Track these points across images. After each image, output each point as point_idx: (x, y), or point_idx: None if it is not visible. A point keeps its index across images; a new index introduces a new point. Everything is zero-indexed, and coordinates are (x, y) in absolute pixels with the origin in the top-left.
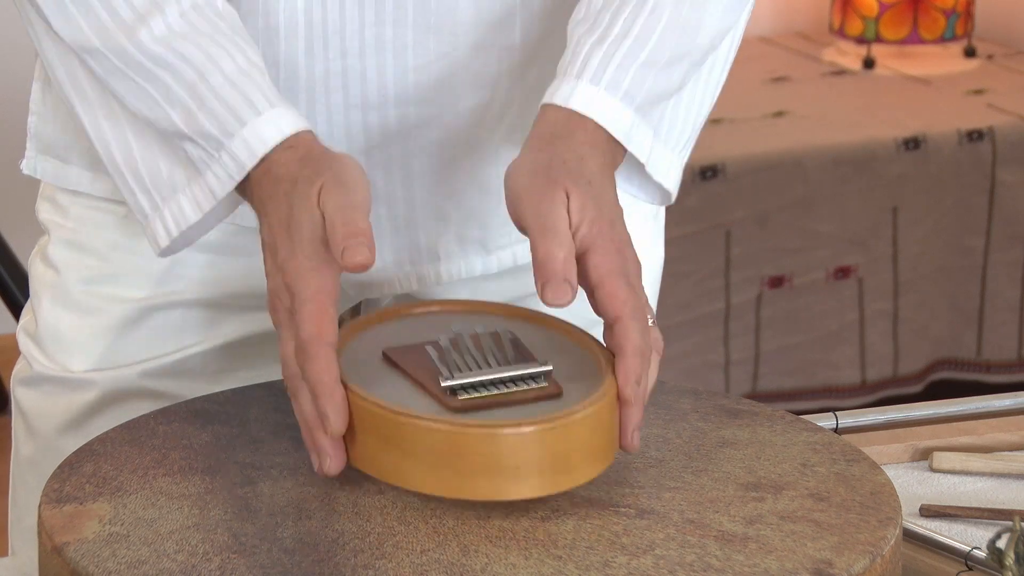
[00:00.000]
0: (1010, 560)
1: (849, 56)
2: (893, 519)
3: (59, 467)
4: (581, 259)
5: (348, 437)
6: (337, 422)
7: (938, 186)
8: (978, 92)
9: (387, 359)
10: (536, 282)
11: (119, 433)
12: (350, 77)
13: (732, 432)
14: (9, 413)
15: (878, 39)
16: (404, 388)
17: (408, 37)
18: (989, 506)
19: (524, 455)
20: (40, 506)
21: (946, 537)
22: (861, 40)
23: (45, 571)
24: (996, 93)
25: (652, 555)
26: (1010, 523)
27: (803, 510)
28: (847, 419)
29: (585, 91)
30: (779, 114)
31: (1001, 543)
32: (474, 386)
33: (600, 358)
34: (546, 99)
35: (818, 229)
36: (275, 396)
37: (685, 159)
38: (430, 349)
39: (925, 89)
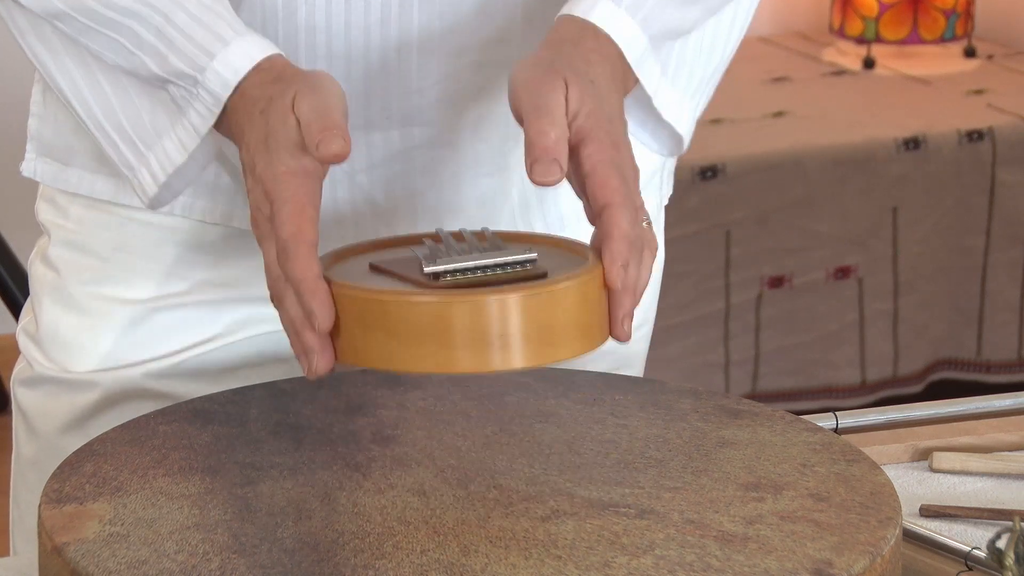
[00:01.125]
0: (1010, 560)
1: (849, 56)
2: (893, 519)
3: (59, 467)
4: (575, 149)
5: (333, 333)
6: (323, 316)
7: (938, 186)
8: (978, 92)
9: (373, 269)
10: (526, 161)
11: (119, 433)
12: (354, 99)
13: (732, 432)
14: (9, 413)
15: (878, 39)
16: (390, 284)
17: (413, 60)
18: (989, 506)
19: (509, 323)
20: (40, 506)
21: (946, 537)
22: (861, 40)
23: (45, 571)
24: (996, 93)
25: (652, 555)
26: (1010, 523)
27: (803, 510)
28: (847, 419)
29: (605, 6)
30: (779, 114)
31: (1001, 543)
32: (458, 270)
33: (589, 254)
34: (564, 11)
35: (818, 229)
36: (275, 396)
37: (698, 108)
38: (414, 248)
39: (925, 89)
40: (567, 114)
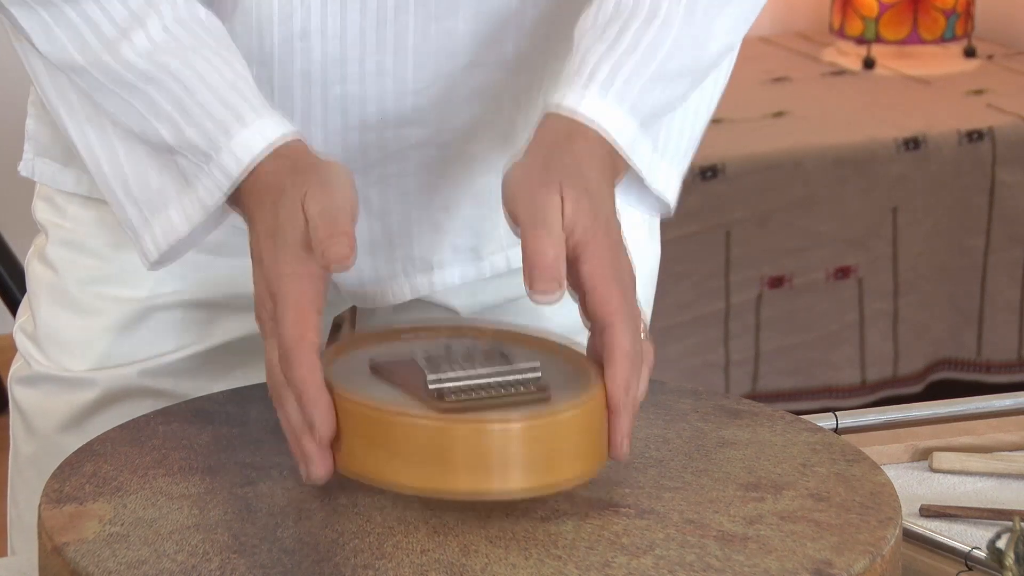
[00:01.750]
0: (1010, 560)
1: (849, 56)
2: (893, 519)
3: (59, 467)
4: (574, 263)
5: (334, 442)
6: (324, 427)
7: (938, 186)
8: (978, 92)
9: (375, 370)
10: (524, 278)
11: (119, 433)
12: (349, 102)
13: (732, 432)
14: (8, 413)
15: (878, 39)
16: (391, 393)
17: (408, 62)
18: (989, 506)
19: (511, 451)
20: (40, 506)
21: (946, 537)
22: (861, 40)
23: (45, 571)
24: (996, 93)
25: (652, 555)
26: (1010, 523)
27: (803, 510)
28: (847, 419)
29: (593, 101)
30: (779, 114)
31: (1001, 543)
32: (462, 389)
33: (589, 369)
34: (552, 107)
35: (818, 229)
36: None
37: (684, 171)
38: (418, 357)
39: (925, 89)
40: (564, 224)
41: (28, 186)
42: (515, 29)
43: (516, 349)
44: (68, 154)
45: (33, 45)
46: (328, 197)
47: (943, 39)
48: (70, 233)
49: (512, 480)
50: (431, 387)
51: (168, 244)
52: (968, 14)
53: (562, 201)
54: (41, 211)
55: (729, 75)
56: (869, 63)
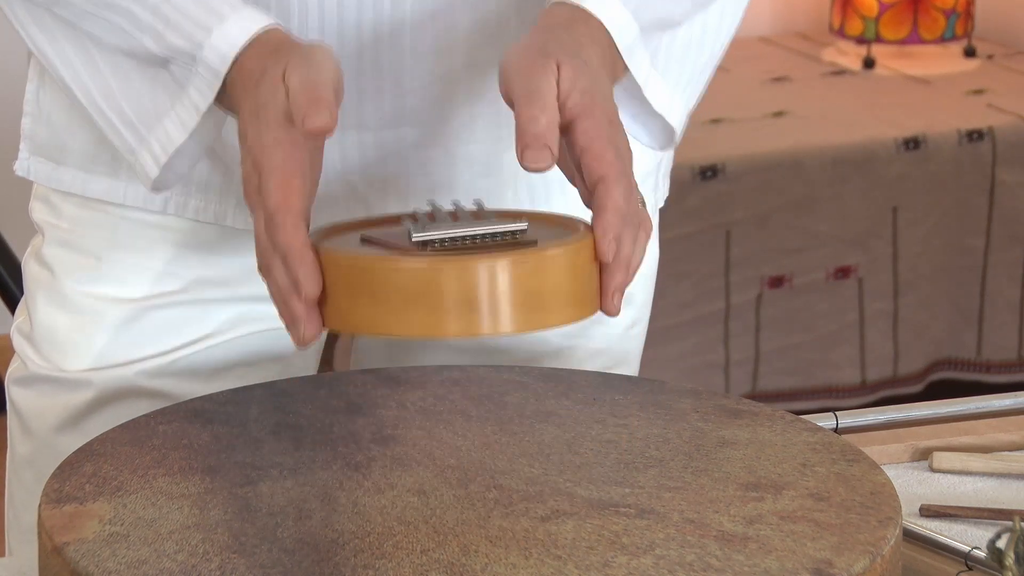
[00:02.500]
0: (1010, 560)
1: (849, 56)
2: (893, 519)
3: (59, 467)
4: (570, 126)
5: (321, 301)
6: (310, 285)
7: (938, 186)
8: (978, 92)
9: (365, 240)
10: (516, 147)
11: (119, 433)
12: (346, 99)
13: (732, 432)
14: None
15: (878, 39)
16: (378, 252)
17: (406, 61)
18: (989, 506)
19: (497, 288)
20: (40, 506)
21: (946, 537)
22: (861, 40)
23: (45, 571)
24: (996, 93)
25: (652, 555)
26: (1010, 523)
27: (803, 510)
28: (847, 419)
29: None
30: (779, 114)
31: (1001, 543)
32: (446, 239)
33: (579, 225)
34: None
35: (818, 229)
36: (275, 396)
37: (690, 103)
38: (405, 219)
39: (925, 89)
40: (560, 94)
41: (28, 186)
42: (514, 31)
43: (506, 215)
44: (63, 153)
45: None
46: (309, 69)
47: (943, 39)
48: (66, 233)
49: (500, 318)
50: (415, 239)
51: (166, 155)
52: (968, 14)
53: (558, 72)
54: (37, 211)
55: (738, 19)
56: (869, 63)
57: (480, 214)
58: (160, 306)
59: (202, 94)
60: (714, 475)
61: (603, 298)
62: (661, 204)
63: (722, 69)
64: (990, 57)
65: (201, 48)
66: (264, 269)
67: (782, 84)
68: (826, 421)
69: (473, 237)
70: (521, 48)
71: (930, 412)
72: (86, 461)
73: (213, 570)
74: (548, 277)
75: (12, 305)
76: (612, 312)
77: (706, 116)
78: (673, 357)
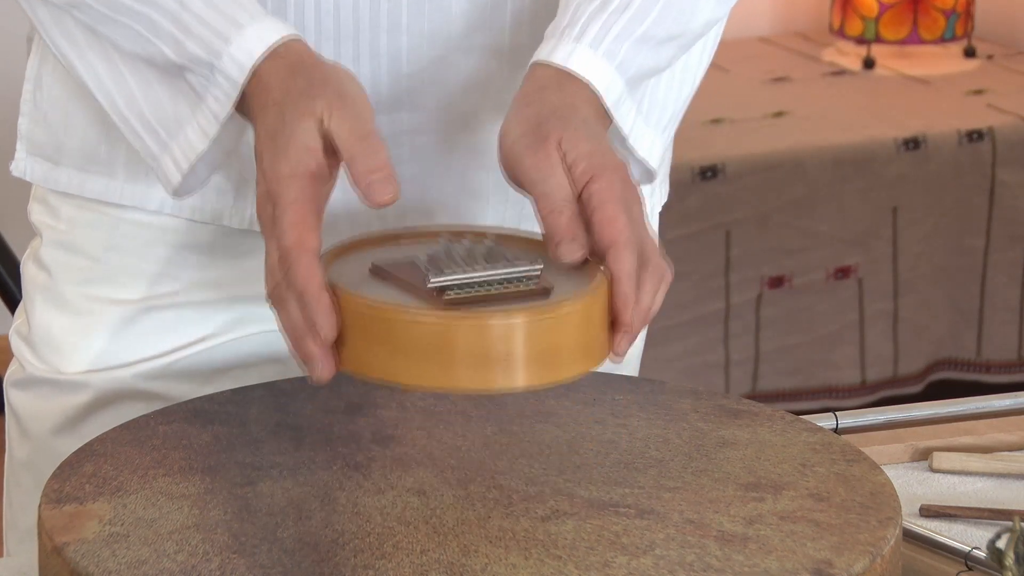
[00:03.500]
0: (1010, 560)
1: (849, 56)
2: (893, 519)
3: (59, 467)
4: (583, 189)
5: (336, 340)
6: (327, 328)
7: (938, 186)
8: (978, 92)
9: (375, 272)
10: (548, 246)
11: (119, 433)
12: None
13: (732, 432)
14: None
15: (878, 39)
16: (393, 293)
17: (402, 43)
18: (989, 506)
19: (512, 345)
20: (40, 506)
21: (946, 537)
22: (861, 40)
23: (45, 571)
24: (996, 93)
25: (652, 555)
26: (1010, 523)
27: (803, 510)
28: (847, 419)
29: (584, 54)
30: (779, 114)
31: (1001, 543)
32: (462, 285)
33: (593, 266)
34: (540, 57)
35: (818, 229)
36: (275, 396)
37: (668, 140)
38: (418, 257)
39: (925, 89)
40: (569, 164)
41: (28, 187)
42: (512, 17)
43: (518, 251)
44: (60, 153)
45: None
46: (355, 117)
47: (943, 39)
48: (63, 235)
49: (514, 374)
50: (431, 285)
51: (188, 163)
52: (968, 14)
53: (560, 147)
54: (36, 213)
55: (710, 56)
56: (869, 63)
57: (491, 247)
58: (158, 307)
59: (220, 103)
60: (714, 475)
61: (613, 345)
62: (659, 208)
63: (722, 69)
64: (990, 57)
65: (219, 57)
66: (276, 301)
67: (782, 84)
68: (826, 421)
69: (488, 283)
70: (518, 127)
71: (930, 412)
72: (86, 461)
73: (213, 570)
74: (563, 333)
75: (12, 305)
76: (620, 355)
77: (706, 116)
78: (673, 357)
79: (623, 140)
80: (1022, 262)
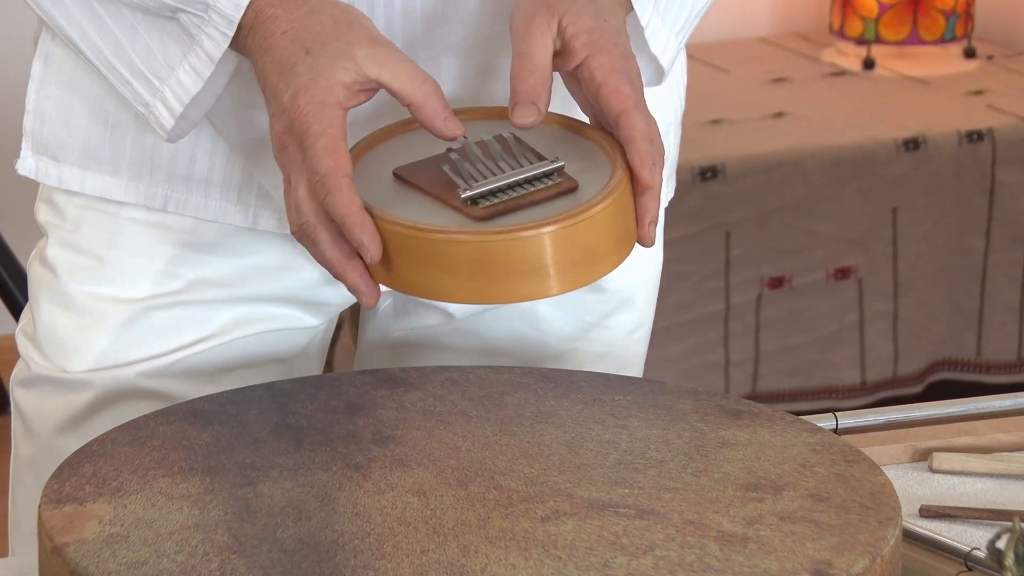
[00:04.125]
0: (1010, 560)
1: (849, 57)
2: (893, 519)
3: (59, 468)
4: (583, 64)
5: (380, 262)
6: (374, 249)
7: (938, 186)
8: (978, 93)
9: (399, 178)
10: (509, 103)
11: (119, 434)
12: None
13: (732, 432)
14: (9, 414)
15: (878, 40)
16: (425, 205)
17: (417, 27)
18: (989, 506)
19: (552, 254)
20: (40, 507)
21: (946, 537)
22: (861, 41)
23: (45, 571)
24: (996, 94)
25: (652, 555)
26: (1010, 523)
27: (803, 510)
28: (847, 419)
29: None
30: (779, 115)
31: (1001, 543)
32: (492, 192)
33: (605, 146)
34: None
35: (818, 229)
36: (275, 396)
37: (680, 44)
38: (442, 163)
39: (925, 90)
40: (567, 38)
41: (30, 188)
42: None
43: (531, 136)
44: (64, 151)
45: None
46: (395, 54)
47: (943, 40)
48: (68, 234)
49: (555, 281)
50: (464, 196)
51: (181, 105)
52: (968, 14)
53: (561, 21)
54: (42, 212)
55: None
56: (869, 64)
57: (512, 148)
58: (161, 306)
59: (215, 42)
60: (714, 476)
61: (639, 228)
62: (665, 204)
63: (722, 70)
64: (990, 58)
65: None
66: (305, 236)
67: (782, 85)
68: (826, 422)
69: (517, 185)
70: (527, 1)
71: (930, 412)
72: (86, 462)
73: (213, 571)
74: (598, 233)
75: (11, 305)
76: (649, 243)
77: (706, 116)
78: (673, 357)
79: (640, 31)
80: (1022, 262)
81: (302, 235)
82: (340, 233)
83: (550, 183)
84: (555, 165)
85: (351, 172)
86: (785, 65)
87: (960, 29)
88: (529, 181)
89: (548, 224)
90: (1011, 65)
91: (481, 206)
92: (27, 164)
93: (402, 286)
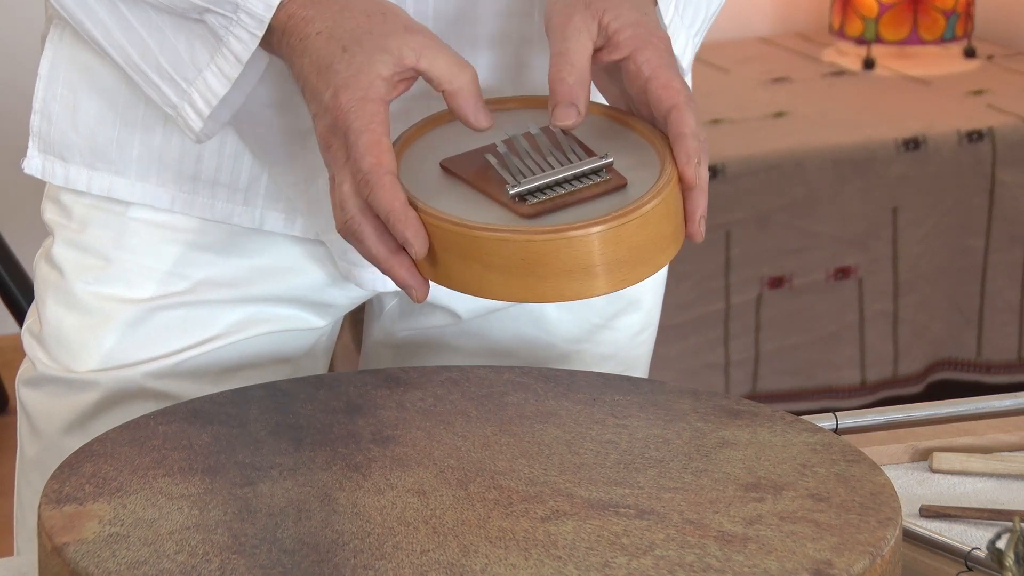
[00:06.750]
0: (1010, 560)
1: (849, 57)
2: (893, 519)
3: (59, 468)
4: (629, 59)
5: (427, 257)
6: (419, 245)
7: (938, 186)
8: (978, 92)
9: (446, 171)
10: (549, 104)
11: (119, 434)
12: None
13: (732, 432)
14: (9, 413)
15: (878, 40)
16: (472, 200)
17: (450, 16)
18: (989, 506)
19: (600, 254)
20: (40, 506)
21: (946, 537)
22: (861, 41)
23: (45, 571)
24: (996, 93)
25: (652, 555)
26: (1010, 523)
27: (803, 510)
28: (847, 419)
29: None
30: (779, 114)
31: (1001, 543)
32: (541, 189)
33: (655, 141)
34: None
35: (818, 229)
36: (275, 396)
37: (695, 48)
38: (489, 156)
39: (925, 89)
40: (610, 34)
41: (31, 188)
42: (542, 4)
43: (577, 127)
44: (70, 150)
45: None
46: (433, 42)
47: (943, 39)
48: (75, 234)
49: (604, 280)
50: (513, 193)
51: (209, 108)
52: (968, 14)
53: (602, 17)
54: (48, 211)
55: None
56: (869, 63)
57: (560, 143)
58: (167, 306)
59: (243, 43)
60: (714, 475)
61: (689, 223)
62: None
63: (722, 70)
64: (990, 57)
65: None
66: (350, 232)
67: (782, 84)
68: (826, 422)
69: (566, 182)
70: (562, 1)
71: (930, 412)
72: (86, 461)
73: (213, 571)
74: (647, 231)
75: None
76: (699, 238)
77: (706, 116)
78: (673, 357)
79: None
80: (1022, 262)
81: (347, 232)
82: (385, 229)
83: (598, 179)
84: (604, 161)
85: (395, 168)
86: (785, 65)
87: (960, 29)
88: (577, 177)
89: (597, 224)
90: (1011, 65)
91: (529, 203)
92: (33, 163)
93: (449, 282)
